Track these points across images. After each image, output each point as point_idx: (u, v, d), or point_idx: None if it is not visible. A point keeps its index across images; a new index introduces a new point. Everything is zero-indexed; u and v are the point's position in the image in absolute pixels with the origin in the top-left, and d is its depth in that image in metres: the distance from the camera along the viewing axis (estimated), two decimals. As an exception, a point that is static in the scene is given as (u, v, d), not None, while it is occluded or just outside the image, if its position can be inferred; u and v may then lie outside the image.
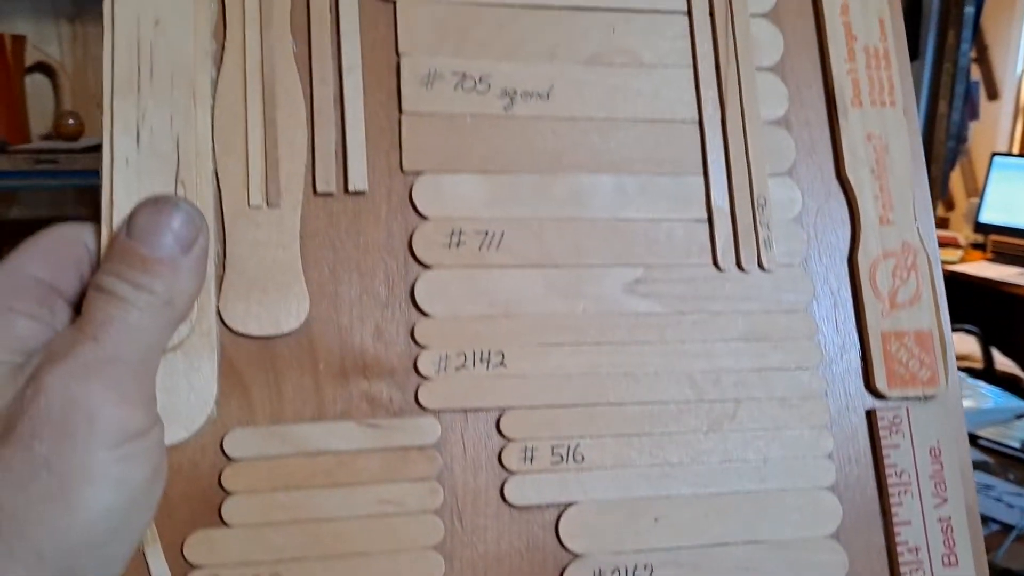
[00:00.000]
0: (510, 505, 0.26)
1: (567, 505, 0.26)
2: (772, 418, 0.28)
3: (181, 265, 0.23)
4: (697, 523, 0.27)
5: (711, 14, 0.29)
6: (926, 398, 0.29)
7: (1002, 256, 2.37)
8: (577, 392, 0.27)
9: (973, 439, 1.05)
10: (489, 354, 0.26)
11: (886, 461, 0.28)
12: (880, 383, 0.28)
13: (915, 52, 1.44)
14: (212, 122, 0.26)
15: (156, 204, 0.24)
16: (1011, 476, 0.96)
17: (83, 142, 1.01)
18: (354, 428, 0.25)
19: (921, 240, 0.29)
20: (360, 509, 0.25)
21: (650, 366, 0.27)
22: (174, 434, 0.24)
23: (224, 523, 0.24)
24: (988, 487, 0.93)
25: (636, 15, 0.29)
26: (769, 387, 0.28)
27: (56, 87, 1.04)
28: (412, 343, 0.26)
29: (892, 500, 0.28)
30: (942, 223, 2.52)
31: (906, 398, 0.29)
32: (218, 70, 0.26)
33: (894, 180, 0.30)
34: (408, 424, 0.26)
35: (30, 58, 1.01)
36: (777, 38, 0.30)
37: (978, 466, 0.97)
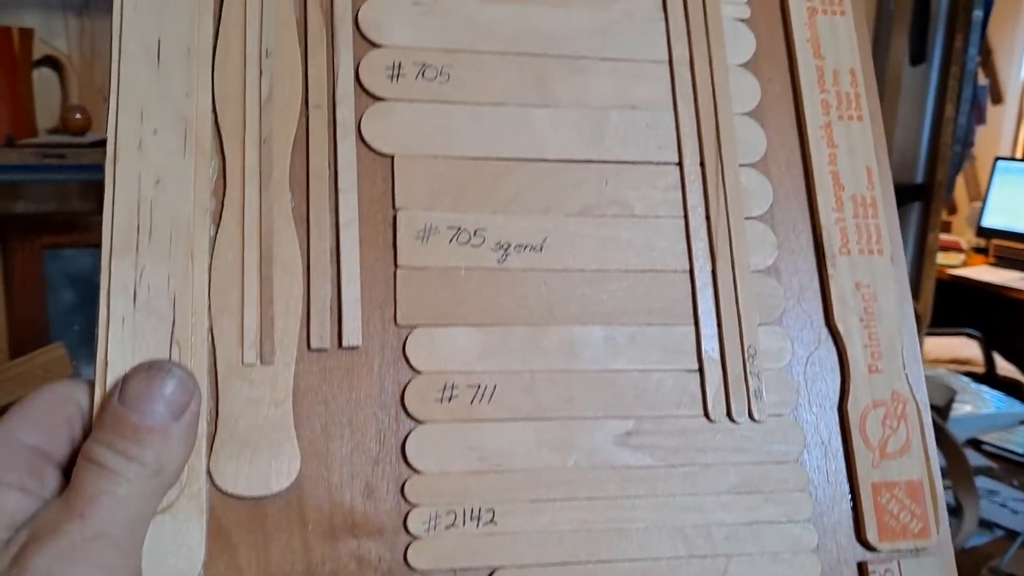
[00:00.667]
0: (499, 670, 0.26)
1: (556, 669, 0.26)
2: (763, 574, 0.28)
3: (172, 432, 0.23)
4: None
5: (702, 164, 0.30)
6: (918, 551, 0.29)
7: (1004, 260, 2.37)
8: (568, 550, 0.27)
9: (976, 444, 1.05)
10: (480, 511, 0.26)
11: (879, 618, 0.28)
12: (871, 535, 0.28)
13: (922, 55, 1.47)
14: (209, 280, 0.26)
15: (149, 371, 0.24)
16: (1015, 482, 0.95)
17: (90, 136, 1.02)
18: (343, 591, 0.25)
19: (910, 388, 0.30)
20: (347, 677, 0.25)
21: (641, 521, 0.27)
22: (161, 600, 0.24)
23: None
24: (992, 493, 0.92)
25: (628, 167, 0.30)
26: (760, 541, 0.28)
27: (63, 81, 1.05)
28: (402, 500, 0.26)
29: (885, 660, 0.28)
30: (945, 227, 2.48)
31: (897, 551, 0.28)
32: (217, 227, 0.27)
33: (883, 328, 0.30)
34: (397, 586, 0.25)
35: (37, 52, 1.02)
36: (766, 187, 0.31)
37: (982, 471, 0.97)
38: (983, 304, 2.19)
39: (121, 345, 0.25)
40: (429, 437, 0.27)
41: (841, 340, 0.30)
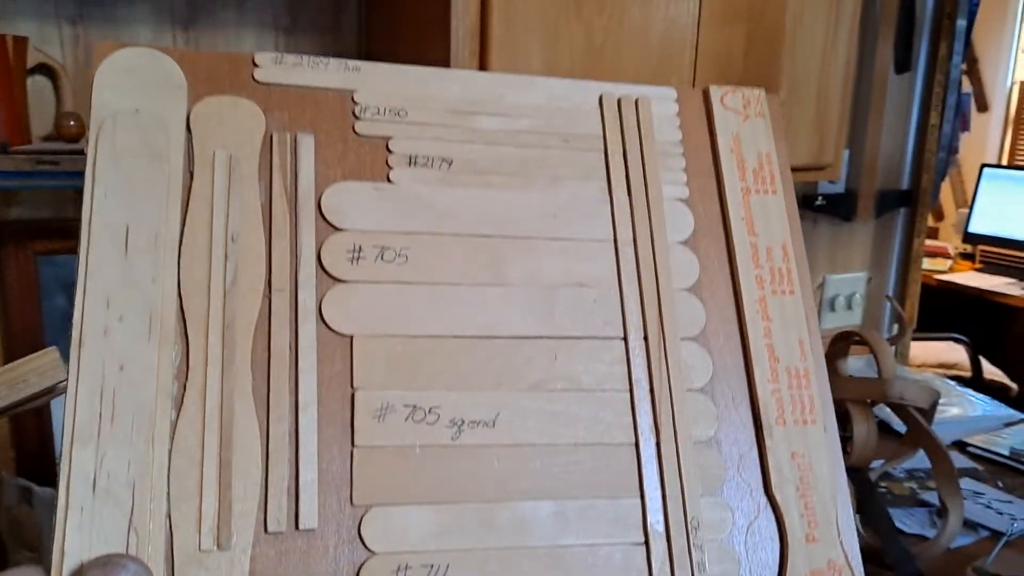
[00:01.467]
0: None
1: None
2: None
3: None
4: None
5: (645, 339, 0.32)
6: None
7: (991, 266, 2.42)
8: None
9: (962, 446, 1.06)
10: None
11: None
12: None
13: (907, 64, 1.52)
14: (169, 464, 0.27)
15: (104, 568, 0.24)
16: (1000, 483, 0.96)
17: (84, 143, 1.02)
18: None
19: (846, 557, 0.31)
20: None
21: None
22: None
23: None
24: (977, 494, 0.93)
25: (577, 342, 0.32)
26: None
27: (57, 88, 1.05)
28: None
29: None
30: (932, 233, 2.50)
31: None
32: (178, 412, 0.27)
33: (817, 497, 0.32)
34: None
35: (32, 59, 1.03)
36: (706, 360, 0.32)
37: (967, 473, 0.98)
38: (970, 309, 2.21)
39: (79, 533, 0.25)
40: (382, 620, 0.27)
41: (779, 509, 0.31)
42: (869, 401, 0.88)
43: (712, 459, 0.31)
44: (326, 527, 0.28)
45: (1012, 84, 2.85)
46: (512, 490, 0.29)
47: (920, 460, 0.91)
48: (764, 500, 0.32)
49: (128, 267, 0.28)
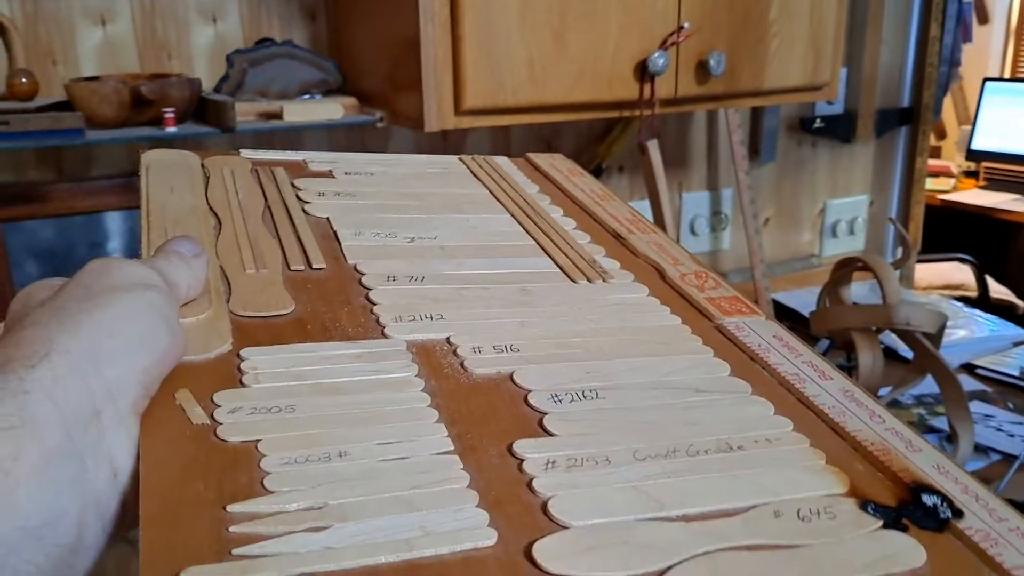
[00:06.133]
0: None
1: None
2: None
3: None
4: None
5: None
6: None
7: (995, 182, 2.34)
8: None
9: (971, 368, 1.02)
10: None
11: None
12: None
13: None
14: None
15: None
16: (1011, 404, 0.93)
17: (37, 102, 0.95)
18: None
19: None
20: None
21: None
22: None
23: None
24: (988, 416, 0.88)
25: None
26: None
27: (8, 45, 0.97)
28: None
29: None
30: (934, 152, 2.40)
31: None
32: None
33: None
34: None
35: None
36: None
37: (976, 396, 0.93)
38: (975, 228, 2.17)
39: None
40: None
41: None
42: (875, 328, 0.83)
43: None
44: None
45: (1013, -6, 2.66)
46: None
47: (928, 385, 0.86)
48: None
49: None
